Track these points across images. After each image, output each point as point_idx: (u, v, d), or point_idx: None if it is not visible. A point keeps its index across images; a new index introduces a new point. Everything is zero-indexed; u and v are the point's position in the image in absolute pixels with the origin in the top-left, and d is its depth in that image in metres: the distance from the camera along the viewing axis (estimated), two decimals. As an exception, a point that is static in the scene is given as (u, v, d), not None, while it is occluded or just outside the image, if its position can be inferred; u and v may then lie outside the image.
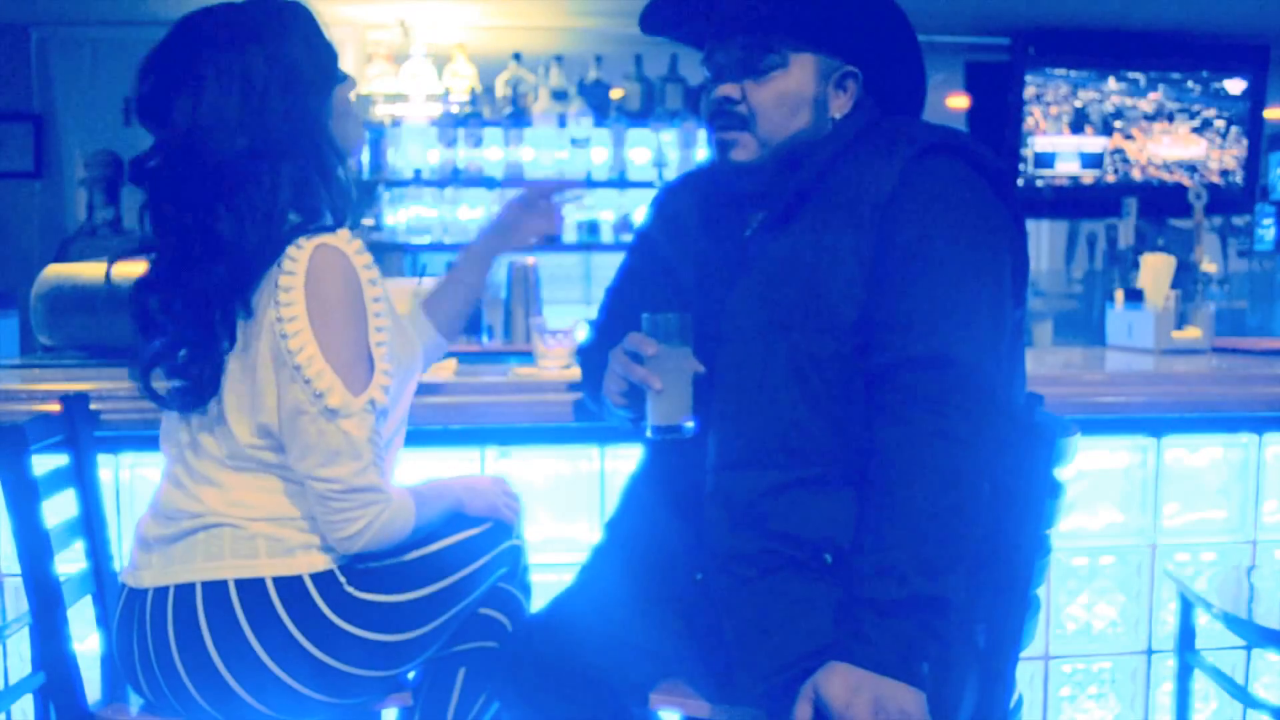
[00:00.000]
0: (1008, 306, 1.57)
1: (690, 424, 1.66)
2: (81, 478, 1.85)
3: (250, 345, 1.58)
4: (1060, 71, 5.48)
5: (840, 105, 1.66)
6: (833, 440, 1.56)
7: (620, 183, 5.39)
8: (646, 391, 1.65)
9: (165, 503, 1.66)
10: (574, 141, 5.33)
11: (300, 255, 1.56)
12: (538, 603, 1.85)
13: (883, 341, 1.52)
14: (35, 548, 1.61)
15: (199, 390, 1.59)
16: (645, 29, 1.74)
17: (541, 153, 5.38)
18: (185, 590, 1.60)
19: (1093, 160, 5.61)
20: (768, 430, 1.58)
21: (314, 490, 1.57)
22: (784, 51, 1.62)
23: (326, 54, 1.64)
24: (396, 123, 5.25)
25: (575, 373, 2.09)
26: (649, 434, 1.67)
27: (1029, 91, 5.46)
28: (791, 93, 1.63)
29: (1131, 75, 5.54)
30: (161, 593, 1.61)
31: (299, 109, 1.59)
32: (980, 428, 1.47)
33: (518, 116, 5.30)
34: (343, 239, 1.59)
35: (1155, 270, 2.94)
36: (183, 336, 1.59)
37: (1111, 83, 5.54)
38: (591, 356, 1.86)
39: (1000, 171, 1.60)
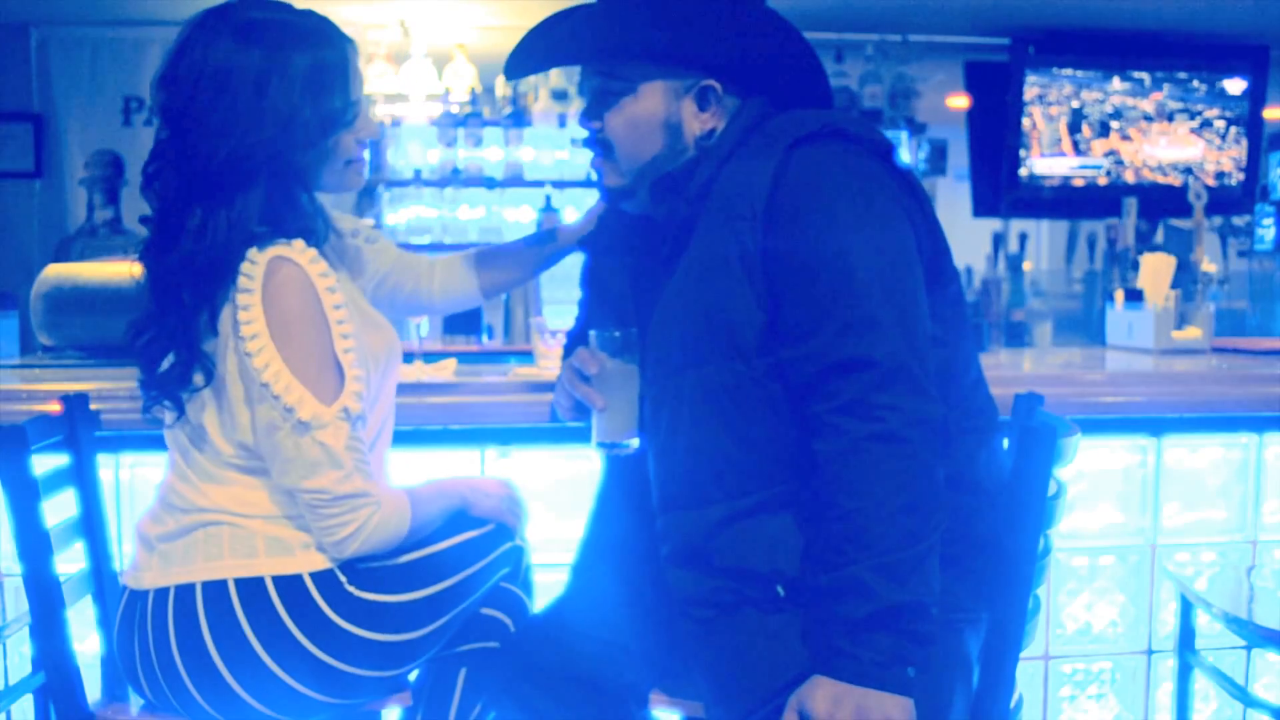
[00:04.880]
0: (920, 282, 1.49)
1: (635, 440, 1.67)
2: (81, 478, 1.85)
3: (217, 364, 1.58)
4: (1066, 72, 5.48)
5: (705, 120, 1.59)
6: (764, 466, 1.52)
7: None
8: (591, 407, 1.66)
9: (170, 492, 1.66)
10: (574, 141, 5.31)
11: (255, 270, 1.56)
12: (539, 603, 1.85)
13: (797, 354, 1.47)
14: (35, 548, 1.61)
15: (172, 383, 1.60)
16: (509, 75, 1.71)
17: (541, 153, 5.38)
18: (185, 591, 1.60)
19: (1091, 161, 5.61)
20: (698, 469, 1.55)
21: (303, 500, 1.58)
22: (629, 78, 1.58)
23: (328, 89, 1.62)
24: (396, 123, 5.23)
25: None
26: (594, 448, 1.68)
27: (1030, 92, 5.45)
28: (641, 118, 1.59)
29: (1136, 75, 5.54)
30: (162, 594, 1.61)
31: (276, 133, 1.57)
32: (915, 421, 1.41)
33: (518, 116, 5.29)
34: (297, 249, 1.58)
35: (1155, 270, 2.95)
36: (163, 322, 1.59)
37: (1115, 83, 5.54)
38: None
39: (881, 144, 1.54)
